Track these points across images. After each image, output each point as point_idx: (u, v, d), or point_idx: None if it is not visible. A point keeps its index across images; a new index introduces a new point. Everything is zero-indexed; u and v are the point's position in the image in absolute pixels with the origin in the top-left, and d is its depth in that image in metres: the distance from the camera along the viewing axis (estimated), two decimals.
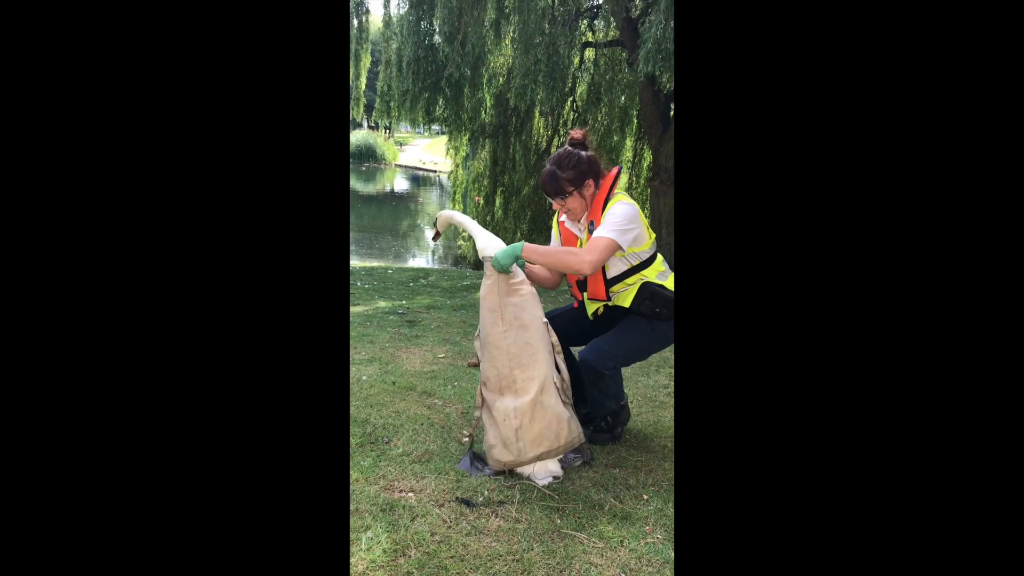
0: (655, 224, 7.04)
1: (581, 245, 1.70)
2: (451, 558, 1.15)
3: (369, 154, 25.04)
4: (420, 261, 9.89)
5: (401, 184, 24.48)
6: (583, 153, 1.69)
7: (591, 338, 1.74)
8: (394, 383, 2.19)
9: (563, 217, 1.79)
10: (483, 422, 1.57)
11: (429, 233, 12.84)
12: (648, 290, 1.64)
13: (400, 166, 25.67)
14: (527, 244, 1.63)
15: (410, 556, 1.15)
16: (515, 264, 1.61)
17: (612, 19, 6.87)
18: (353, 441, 1.66)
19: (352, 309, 3.67)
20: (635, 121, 8.56)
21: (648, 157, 8.15)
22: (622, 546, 1.23)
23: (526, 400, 1.48)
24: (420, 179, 25.39)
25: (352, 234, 10.80)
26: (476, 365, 1.65)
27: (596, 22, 8.18)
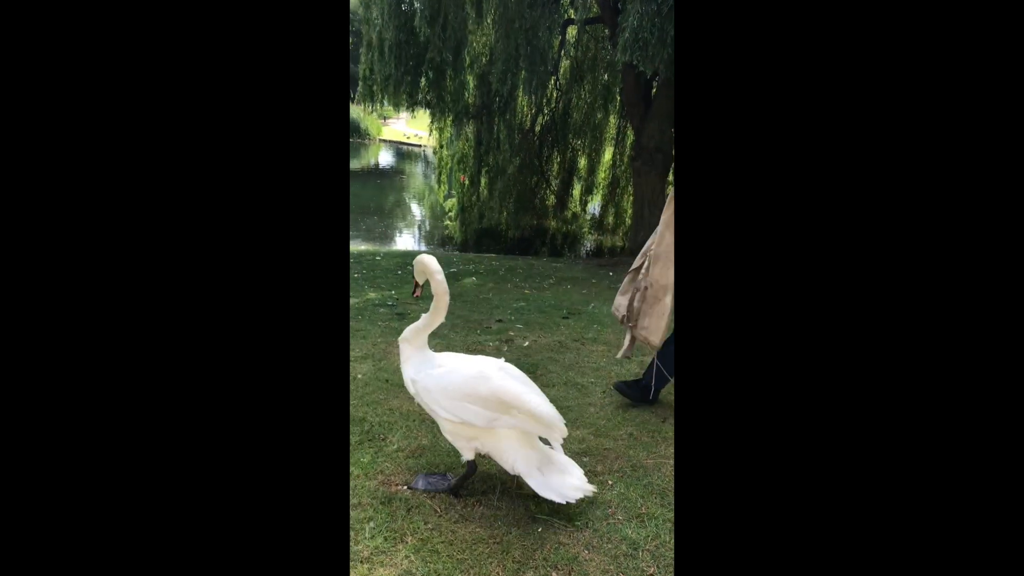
0: (638, 204, 7.19)
1: None
2: (442, 543, 1.37)
3: (353, 129, 24.75)
4: (407, 239, 9.99)
5: (386, 159, 24.24)
6: None
7: None
8: (387, 381, 2.38)
9: None
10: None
11: (417, 211, 12.87)
12: None
13: (384, 141, 25.40)
14: None
15: (407, 542, 1.37)
16: None
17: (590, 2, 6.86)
18: (353, 439, 1.86)
19: None
20: (618, 99, 8.62)
21: (631, 136, 8.26)
22: (587, 527, 1.46)
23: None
24: (405, 153, 25.14)
25: None
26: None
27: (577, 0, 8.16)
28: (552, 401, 2.23)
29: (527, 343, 3.04)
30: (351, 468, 1.68)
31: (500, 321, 3.48)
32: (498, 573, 1.28)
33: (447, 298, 1.60)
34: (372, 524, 1.42)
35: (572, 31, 8.25)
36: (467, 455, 1.55)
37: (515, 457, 1.51)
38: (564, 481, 1.51)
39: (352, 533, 1.38)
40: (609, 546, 1.39)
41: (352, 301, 3.88)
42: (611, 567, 1.32)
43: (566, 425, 1.60)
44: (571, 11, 7.86)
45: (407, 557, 1.32)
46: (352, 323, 3.26)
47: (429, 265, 1.60)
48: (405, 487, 1.61)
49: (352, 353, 2.72)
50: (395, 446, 1.84)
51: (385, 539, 1.37)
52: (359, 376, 2.43)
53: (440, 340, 3.02)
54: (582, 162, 9.54)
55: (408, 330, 1.64)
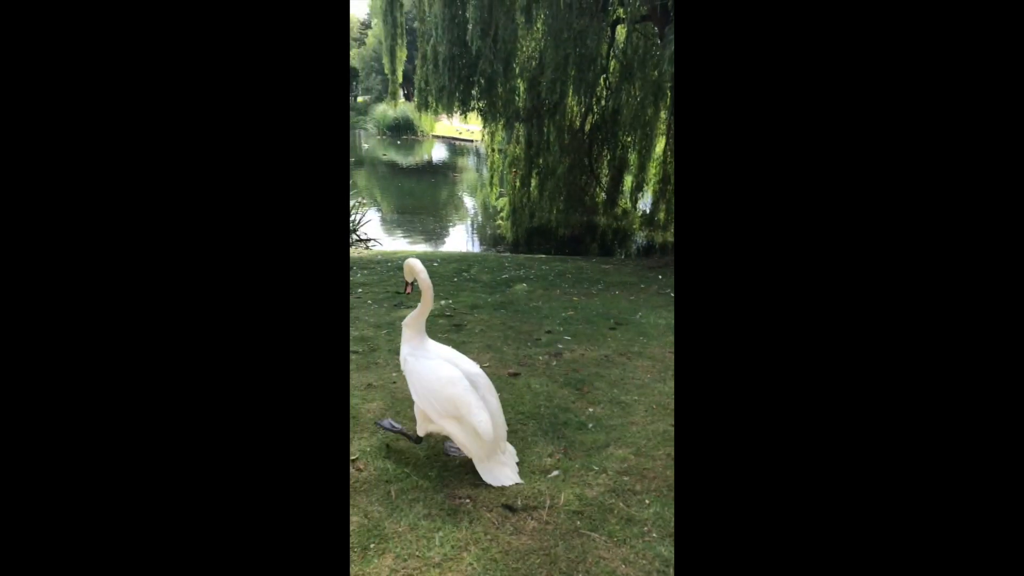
0: None
1: None
2: (499, 552, 1.62)
3: (407, 126, 25.44)
4: (461, 238, 10.31)
5: (439, 153, 24.76)
6: None
7: None
8: None
9: None
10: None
11: (470, 205, 13.22)
12: None
13: (437, 137, 25.94)
14: None
15: (470, 551, 1.62)
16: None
17: (640, 2, 6.87)
18: (421, 454, 2.14)
19: (405, 312, 4.16)
20: (668, 94, 8.56)
21: None
22: (625, 543, 1.67)
23: None
24: (457, 148, 25.59)
25: (396, 216, 11.31)
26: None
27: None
28: (596, 420, 2.46)
29: (575, 356, 3.25)
30: (421, 481, 1.96)
31: (549, 332, 3.70)
32: None
33: (431, 292, 2.06)
34: (440, 534, 1.69)
35: (621, 30, 8.26)
36: (420, 431, 2.04)
37: (467, 444, 1.93)
38: (503, 472, 1.97)
39: (424, 540, 1.66)
40: (643, 562, 1.60)
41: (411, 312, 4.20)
42: None
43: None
44: (621, 10, 7.86)
45: (471, 564, 1.57)
46: None
47: (414, 267, 2.04)
48: (379, 424, 2.10)
49: None
50: (457, 462, 2.10)
51: (452, 547, 1.63)
52: None
53: (494, 353, 3.27)
54: (632, 158, 9.53)
55: (409, 317, 2.09)
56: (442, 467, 2.06)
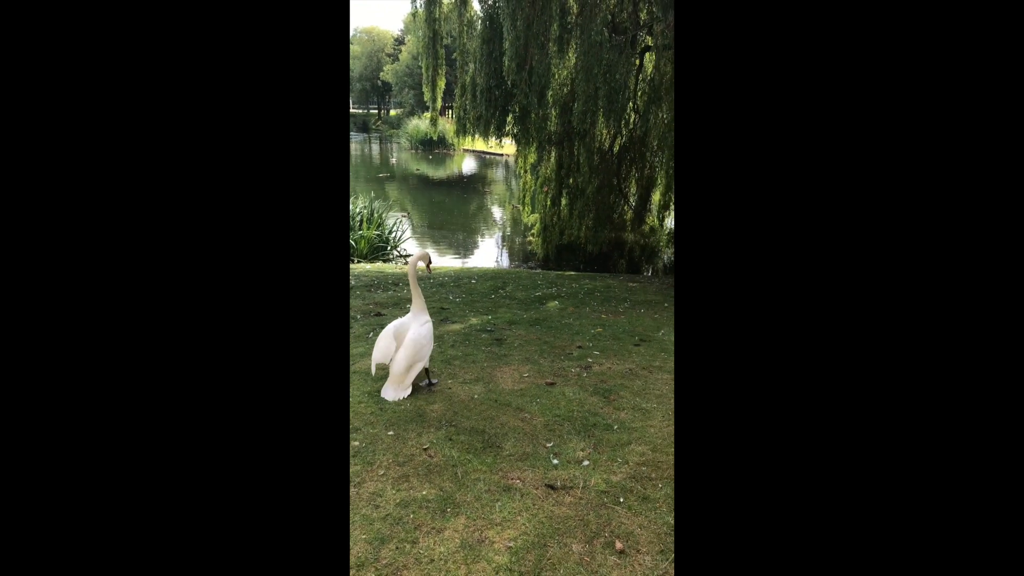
0: None
1: None
2: (545, 517, 2.13)
3: (440, 141, 26.36)
4: (492, 253, 10.85)
5: (469, 166, 25.49)
6: None
7: None
8: (496, 400, 3.19)
9: None
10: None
11: (499, 217, 13.78)
12: None
13: (468, 150, 26.75)
14: None
15: (523, 516, 2.14)
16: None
17: (667, 31, 7.34)
18: (479, 445, 2.67)
19: (452, 327, 4.72)
20: None
21: None
22: (641, 514, 2.16)
23: None
24: (487, 161, 26.30)
25: (430, 232, 11.96)
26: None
27: (655, 27, 8.59)
28: (620, 423, 2.95)
29: (603, 369, 3.74)
30: (480, 466, 2.48)
31: (580, 347, 4.20)
32: (581, 537, 2.03)
33: (415, 282, 3.32)
34: (499, 503, 2.21)
35: (649, 57, 8.73)
36: (414, 376, 3.24)
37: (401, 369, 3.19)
38: (399, 393, 3.20)
39: (487, 507, 2.18)
40: (655, 527, 2.09)
41: (457, 327, 4.75)
42: (654, 539, 2.02)
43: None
44: (648, 38, 8.32)
45: (523, 524, 2.09)
46: (463, 348, 4.11)
47: (410, 269, 3.34)
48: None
49: (468, 376, 3.56)
50: (507, 451, 2.62)
51: (509, 512, 2.15)
52: (475, 396, 3.26)
53: (532, 365, 3.78)
54: (660, 177, 9.95)
55: (416, 299, 3.31)
56: (496, 456, 2.58)
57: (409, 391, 3.22)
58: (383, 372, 3.34)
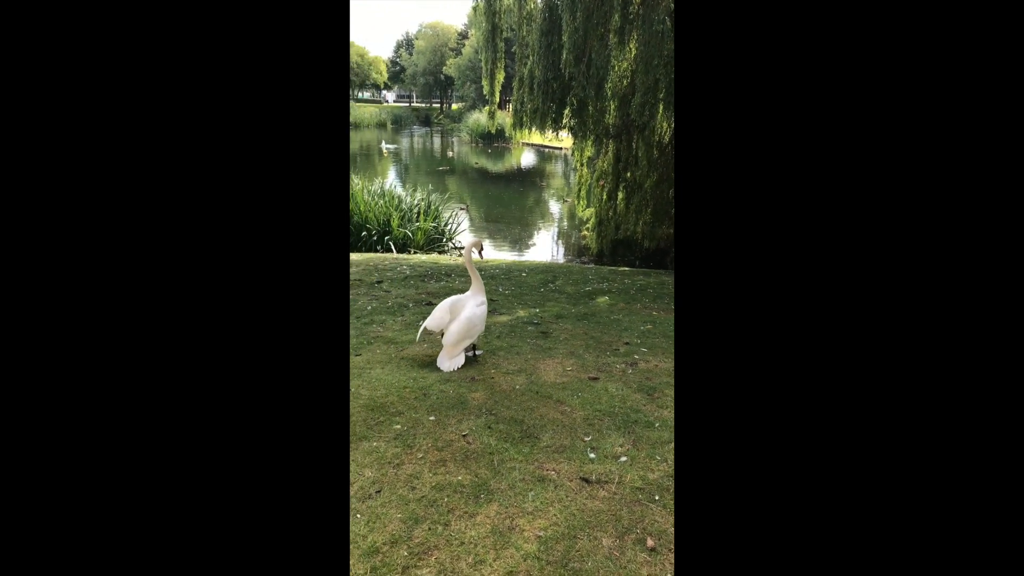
0: None
1: None
2: (577, 509, 2.13)
3: (499, 135, 26.53)
4: (548, 247, 10.85)
5: (527, 159, 25.52)
6: None
7: None
8: (537, 392, 3.20)
9: None
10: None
11: (556, 211, 13.71)
12: None
13: (527, 144, 26.78)
14: None
15: (555, 507, 2.15)
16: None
17: None
18: (517, 434, 2.70)
19: (499, 319, 4.76)
20: None
21: None
22: (673, 513, 2.12)
23: None
24: (545, 155, 26.24)
25: (487, 225, 12.08)
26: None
27: None
28: (662, 421, 2.90)
29: (649, 366, 3.67)
30: (516, 455, 2.51)
31: (627, 344, 4.14)
32: (612, 532, 2.01)
33: (471, 266, 3.59)
34: (532, 493, 2.23)
35: None
36: (461, 348, 3.54)
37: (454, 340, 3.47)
38: (454, 363, 3.49)
39: (520, 496, 2.20)
40: None
41: (504, 319, 4.79)
42: None
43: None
44: None
45: (555, 515, 2.10)
46: (508, 340, 4.14)
47: (466, 254, 3.63)
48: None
49: (511, 367, 3.59)
50: (544, 443, 2.63)
51: (541, 503, 2.17)
52: (517, 387, 3.28)
53: (576, 359, 3.77)
54: None
55: (475, 281, 3.57)
56: (532, 446, 2.60)
57: (463, 362, 3.51)
58: (428, 338, 3.68)
